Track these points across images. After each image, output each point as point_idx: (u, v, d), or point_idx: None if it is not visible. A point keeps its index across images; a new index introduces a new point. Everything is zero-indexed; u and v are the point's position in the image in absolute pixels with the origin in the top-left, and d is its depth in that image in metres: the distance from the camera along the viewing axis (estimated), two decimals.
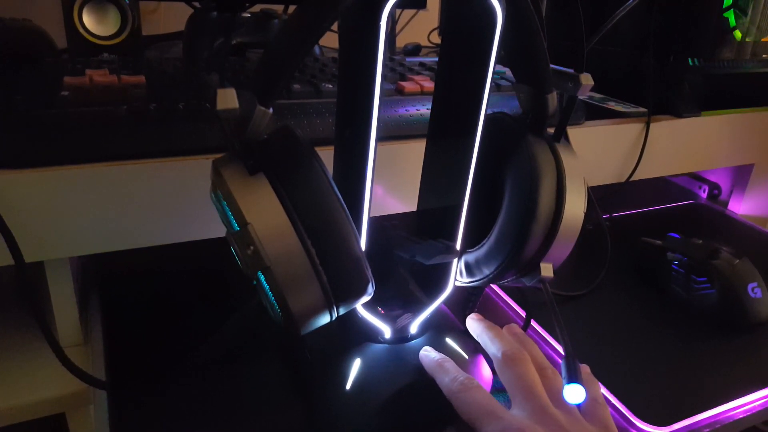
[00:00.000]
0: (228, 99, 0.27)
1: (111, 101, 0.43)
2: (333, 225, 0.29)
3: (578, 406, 0.32)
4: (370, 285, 0.31)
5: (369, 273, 0.30)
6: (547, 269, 0.36)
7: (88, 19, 0.60)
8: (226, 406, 0.38)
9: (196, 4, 0.72)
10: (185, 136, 0.43)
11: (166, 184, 0.42)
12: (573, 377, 0.32)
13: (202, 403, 0.39)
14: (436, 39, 0.97)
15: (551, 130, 0.38)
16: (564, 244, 0.36)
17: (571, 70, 0.36)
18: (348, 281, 0.30)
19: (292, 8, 0.78)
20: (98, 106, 0.42)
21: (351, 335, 0.38)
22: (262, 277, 0.28)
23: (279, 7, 0.74)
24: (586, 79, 0.35)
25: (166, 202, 0.43)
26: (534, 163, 0.35)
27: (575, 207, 0.35)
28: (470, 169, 0.35)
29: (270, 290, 0.28)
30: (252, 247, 0.28)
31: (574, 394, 0.32)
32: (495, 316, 0.50)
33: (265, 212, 0.28)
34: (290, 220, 0.28)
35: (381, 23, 0.29)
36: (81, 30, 0.60)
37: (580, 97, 0.37)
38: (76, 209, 0.40)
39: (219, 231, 0.44)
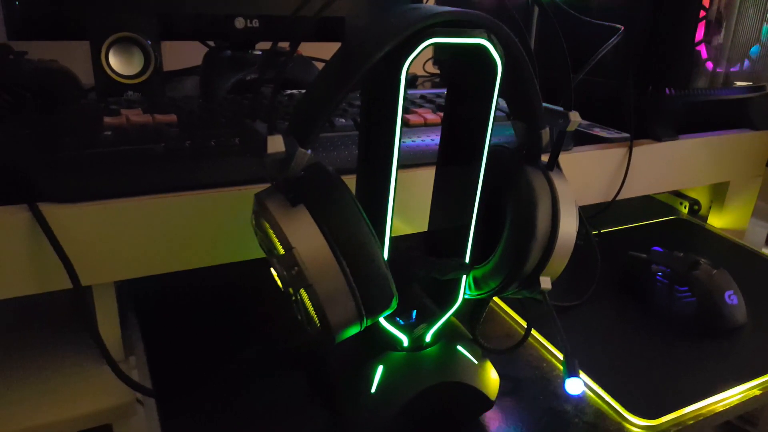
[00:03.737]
0: (276, 144, 0.31)
1: (148, 139, 0.48)
2: (364, 248, 0.33)
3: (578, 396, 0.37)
4: (394, 299, 0.35)
5: (394, 289, 0.35)
6: (545, 282, 0.41)
7: (114, 60, 0.65)
8: (261, 412, 0.43)
9: (211, 43, 0.77)
10: (217, 170, 0.48)
11: (200, 214, 0.47)
12: (572, 372, 0.37)
13: (239, 410, 0.43)
14: (430, 69, 1.03)
15: (545, 158, 0.43)
16: (560, 260, 0.41)
17: (561, 109, 0.41)
18: (376, 296, 0.34)
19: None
20: (138, 145, 0.47)
21: (373, 344, 0.43)
22: (304, 294, 0.33)
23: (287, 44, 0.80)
24: (575, 116, 0.40)
25: (201, 230, 0.47)
26: (531, 190, 0.40)
27: (568, 227, 0.40)
28: (477, 194, 0.40)
29: (312, 305, 0.33)
30: (296, 268, 0.32)
31: (574, 386, 0.36)
32: (497, 326, 0.55)
33: (306, 238, 0.33)
34: (328, 245, 0.33)
35: (402, 74, 0.34)
36: (108, 70, 0.64)
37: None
38: (122, 238, 0.45)
39: (246, 254, 0.49)
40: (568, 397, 0.46)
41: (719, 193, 0.80)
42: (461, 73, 0.40)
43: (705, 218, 0.82)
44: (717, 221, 0.81)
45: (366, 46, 0.32)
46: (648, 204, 0.87)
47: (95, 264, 0.44)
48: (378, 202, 0.38)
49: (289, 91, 0.67)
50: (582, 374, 0.47)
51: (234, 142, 0.49)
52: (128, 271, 0.46)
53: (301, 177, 0.34)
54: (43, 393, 0.46)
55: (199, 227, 0.47)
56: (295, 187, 0.33)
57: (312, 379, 0.47)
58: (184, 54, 0.83)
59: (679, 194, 0.86)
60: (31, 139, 0.48)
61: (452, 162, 0.42)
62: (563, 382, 0.37)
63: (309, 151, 0.33)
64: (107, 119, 0.50)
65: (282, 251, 0.33)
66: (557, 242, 0.40)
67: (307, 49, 0.86)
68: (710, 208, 0.82)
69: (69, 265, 0.41)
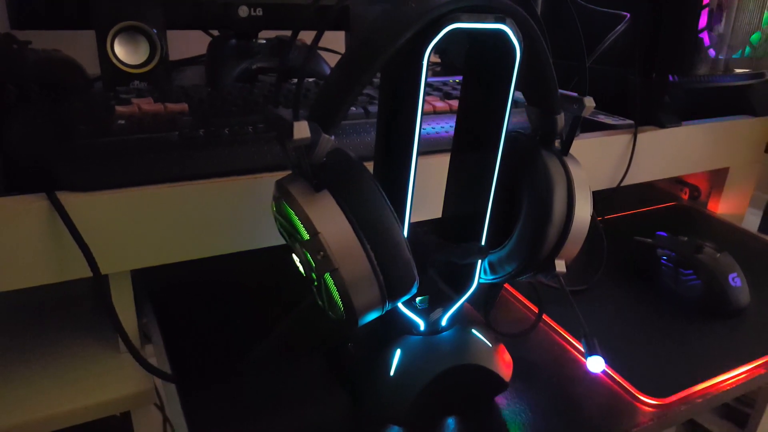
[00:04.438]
0: (302, 130, 0.32)
1: (162, 128, 0.48)
2: (388, 233, 0.34)
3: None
4: (415, 283, 0.36)
5: (416, 273, 0.35)
6: (560, 265, 0.42)
7: (120, 50, 0.65)
8: (282, 397, 0.43)
9: (214, 32, 0.77)
10: (231, 158, 0.48)
11: (215, 202, 0.47)
12: (593, 351, 0.38)
13: (260, 395, 0.44)
14: (432, 58, 1.03)
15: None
16: (574, 244, 0.41)
17: (575, 94, 0.42)
18: (399, 280, 0.35)
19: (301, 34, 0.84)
20: (152, 133, 0.47)
21: (390, 329, 0.43)
22: (328, 279, 0.34)
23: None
24: (589, 102, 0.41)
25: (216, 218, 0.47)
26: (548, 175, 0.40)
27: (583, 211, 0.41)
28: (493, 180, 0.41)
29: (337, 289, 0.34)
30: (322, 253, 0.33)
31: (595, 364, 0.37)
32: (509, 312, 0.56)
33: (331, 223, 0.33)
34: (353, 229, 0.33)
35: (425, 60, 0.34)
36: (113, 60, 0.64)
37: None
38: (138, 226, 0.45)
39: (261, 242, 0.50)
40: (581, 379, 0.47)
41: (719, 180, 0.81)
42: (478, 59, 0.40)
43: (705, 204, 0.84)
44: (716, 207, 0.82)
45: (388, 32, 0.33)
46: (649, 190, 0.88)
47: (111, 253, 0.44)
48: (398, 188, 0.38)
49: (295, 80, 0.67)
50: None
51: (248, 130, 0.50)
52: (144, 260, 0.46)
53: (324, 163, 0.34)
54: (61, 382, 0.46)
55: (214, 215, 0.48)
56: (318, 172, 0.34)
57: (331, 364, 0.47)
58: (179, 44, 0.83)
59: (679, 181, 0.87)
60: (45, 128, 0.48)
61: (469, 148, 0.43)
62: (585, 361, 0.38)
63: (332, 138, 0.33)
64: (119, 108, 0.50)
65: (306, 236, 0.33)
66: (572, 226, 0.41)
67: (307, 37, 0.86)
68: (710, 194, 0.83)
69: (89, 253, 0.41)
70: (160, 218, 0.46)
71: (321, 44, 0.85)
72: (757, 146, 0.78)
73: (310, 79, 0.68)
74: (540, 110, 0.42)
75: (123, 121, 0.48)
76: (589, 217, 0.41)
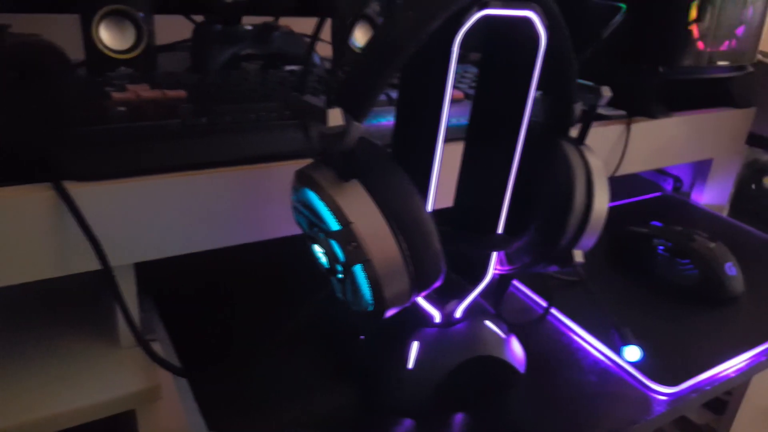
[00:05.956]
0: (336, 117, 0.31)
1: (164, 116, 0.46)
2: (419, 223, 0.33)
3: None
4: (442, 275, 0.35)
5: (443, 265, 0.35)
6: (579, 255, 0.42)
7: (106, 35, 0.62)
8: (291, 388, 0.42)
9: (197, 18, 0.74)
10: (237, 146, 0.47)
11: (222, 193, 0.46)
12: (627, 340, 0.38)
13: (270, 385, 0.42)
14: None
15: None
16: (593, 233, 0.41)
17: (591, 84, 0.42)
18: (428, 271, 0.34)
19: (282, 20, 0.82)
20: (155, 121, 0.46)
21: (406, 321, 0.43)
22: (359, 270, 0.33)
23: (283, 19, 0.78)
24: (606, 91, 0.41)
25: (225, 208, 0.46)
26: (569, 164, 0.40)
27: (602, 202, 0.41)
28: (512, 169, 0.40)
29: (368, 280, 0.33)
30: (354, 243, 0.32)
31: (631, 353, 0.37)
32: (511, 302, 0.56)
33: (363, 213, 0.32)
34: (385, 219, 0.32)
35: (455, 46, 0.33)
36: (99, 45, 0.61)
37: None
38: (142, 217, 0.43)
39: (266, 234, 0.48)
40: (590, 369, 0.47)
41: (702, 171, 0.83)
42: (500, 47, 0.40)
43: (688, 195, 0.85)
44: (700, 198, 0.84)
45: (420, 17, 0.32)
46: (634, 181, 0.89)
47: (117, 245, 0.42)
48: (420, 178, 0.37)
49: (289, 67, 0.66)
50: (600, 344, 0.49)
51: (251, 118, 0.48)
52: (150, 252, 0.44)
53: (350, 151, 0.33)
54: (61, 380, 0.44)
55: (221, 206, 0.46)
56: (346, 161, 0.33)
57: (342, 356, 0.46)
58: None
59: (662, 171, 0.88)
60: (41, 115, 0.45)
61: (486, 138, 0.42)
62: (619, 352, 0.38)
63: (362, 126, 0.32)
64: (117, 95, 0.48)
65: (336, 227, 0.32)
66: (591, 216, 0.41)
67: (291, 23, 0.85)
68: (693, 185, 0.85)
69: (97, 245, 0.39)
70: (166, 209, 0.44)
71: (303, 31, 0.83)
72: (739, 138, 0.80)
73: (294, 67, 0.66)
74: (557, 99, 0.42)
75: (123, 108, 0.46)
76: (607, 208, 0.41)
